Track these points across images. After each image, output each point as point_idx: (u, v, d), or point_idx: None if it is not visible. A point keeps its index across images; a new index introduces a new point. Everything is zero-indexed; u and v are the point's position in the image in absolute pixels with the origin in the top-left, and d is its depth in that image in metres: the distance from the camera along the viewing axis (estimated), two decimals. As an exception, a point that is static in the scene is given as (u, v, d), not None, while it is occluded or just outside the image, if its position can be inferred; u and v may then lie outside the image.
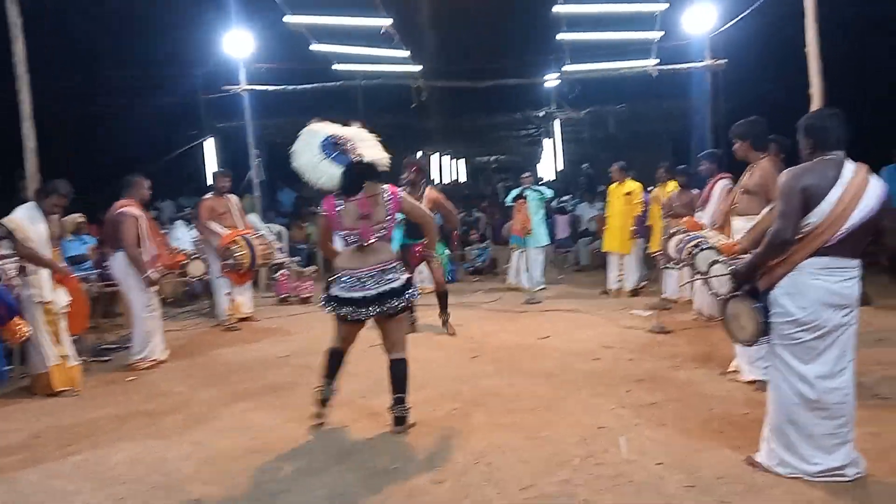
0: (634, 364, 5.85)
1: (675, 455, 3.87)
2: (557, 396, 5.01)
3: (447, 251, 7.21)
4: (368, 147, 4.38)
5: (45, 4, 8.20)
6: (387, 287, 4.26)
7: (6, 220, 5.38)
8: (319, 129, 4.42)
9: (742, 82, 11.99)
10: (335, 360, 4.53)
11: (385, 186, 4.41)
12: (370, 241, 4.27)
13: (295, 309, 9.24)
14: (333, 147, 4.30)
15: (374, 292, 4.24)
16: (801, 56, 7.09)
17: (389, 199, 4.36)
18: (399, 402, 4.41)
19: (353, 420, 4.66)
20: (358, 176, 4.30)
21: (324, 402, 4.52)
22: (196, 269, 6.97)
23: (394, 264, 4.36)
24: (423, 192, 7.04)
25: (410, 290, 4.39)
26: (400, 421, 4.41)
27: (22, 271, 5.41)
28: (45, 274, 5.48)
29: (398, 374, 4.43)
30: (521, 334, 7.17)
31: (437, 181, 19.74)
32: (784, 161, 5.26)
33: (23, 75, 6.76)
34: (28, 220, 5.42)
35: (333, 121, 4.54)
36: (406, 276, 4.44)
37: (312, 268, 10.61)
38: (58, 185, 5.70)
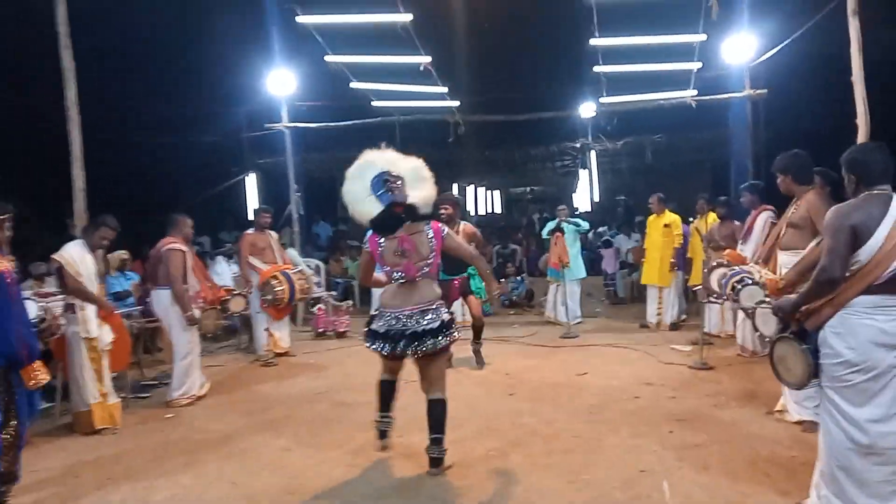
0: (676, 402, 5.71)
1: (720, 499, 3.76)
2: (597, 436, 4.90)
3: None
4: (417, 188, 4.38)
5: (94, 43, 8.44)
6: (424, 327, 4.23)
7: (58, 255, 5.50)
8: (376, 160, 4.42)
9: (783, 112, 11.82)
10: (386, 390, 4.60)
11: (428, 224, 4.40)
12: (415, 278, 4.29)
13: (332, 343, 9.26)
14: (382, 185, 4.32)
15: (410, 331, 4.22)
16: (845, 85, 6.95)
17: (432, 237, 4.35)
18: (436, 442, 4.36)
19: (389, 460, 4.62)
20: (393, 218, 4.32)
21: (382, 434, 4.62)
22: (237, 305, 7.06)
23: (435, 304, 4.33)
24: (459, 228, 7.05)
25: (449, 331, 4.31)
26: (436, 462, 4.36)
27: (69, 308, 5.51)
28: (91, 310, 5.59)
29: (436, 414, 4.38)
30: (559, 370, 7.06)
31: (472, 213, 19.75)
32: (831, 194, 5.14)
33: (74, 118, 6.96)
34: (78, 256, 5.56)
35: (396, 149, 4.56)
36: (447, 316, 4.37)
37: (349, 302, 10.65)
38: (106, 219, 5.87)
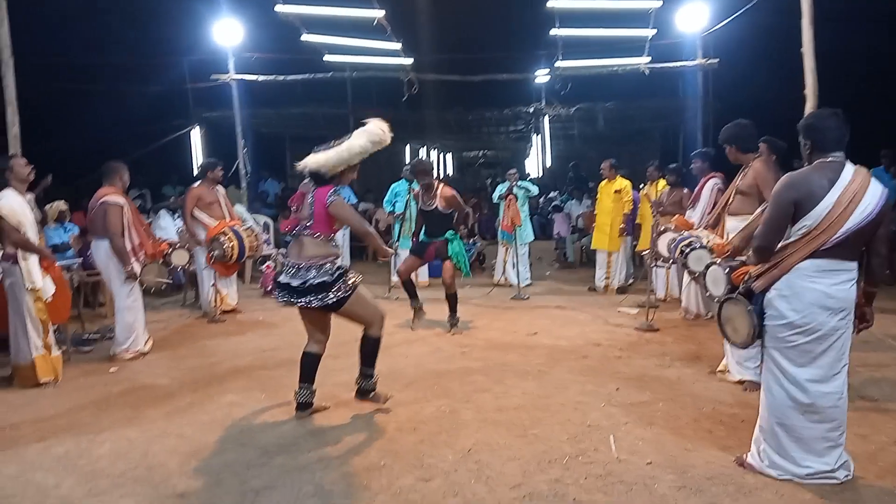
0: (623, 362, 5.84)
1: (665, 454, 3.85)
2: (546, 394, 4.98)
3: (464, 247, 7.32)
4: (325, 154, 4.45)
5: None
6: (309, 281, 4.34)
7: None
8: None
9: (734, 82, 12.03)
10: (308, 362, 4.62)
11: (314, 188, 4.51)
12: (299, 234, 4.48)
13: (281, 301, 9.13)
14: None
15: (297, 283, 4.37)
16: (794, 56, 7.09)
17: (312, 202, 4.47)
18: (364, 375, 4.76)
19: (339, 416, 4.60)
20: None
21: (303, 406, 4.60)
22: (180, 258, 6.83)
23: (319, 262, 4.38)
24: (437, 192, 6.98)
25: (336, 289, 4.36)
26: (364, 391, 4.78)
27: (8, 258, 5.28)
28: (34, 260, 5.36)
29: (365, 348, 4.71)
30: (510, 331, 7.14)
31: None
32: (777, 161, 5.27)
33: (7, 60, 6.62)
34: (18, 206, 5.30)
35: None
36: (331, 275, 4.38)
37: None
38: (14, 156, 5.58)
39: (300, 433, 4.31)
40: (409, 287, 7.16)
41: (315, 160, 4.45)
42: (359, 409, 4.70)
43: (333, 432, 4.32)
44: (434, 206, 6.98)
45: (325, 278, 4.34)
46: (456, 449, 3.99)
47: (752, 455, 3.64)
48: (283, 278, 4.44)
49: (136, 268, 6.21)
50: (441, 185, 7.11)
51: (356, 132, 4.52)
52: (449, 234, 6.99)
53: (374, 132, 4.50)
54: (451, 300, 7.24)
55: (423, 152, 19.99)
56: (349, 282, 4.43)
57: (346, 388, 5.08)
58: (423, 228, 7.23)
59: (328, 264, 4.40)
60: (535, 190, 10.35)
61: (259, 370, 5.80)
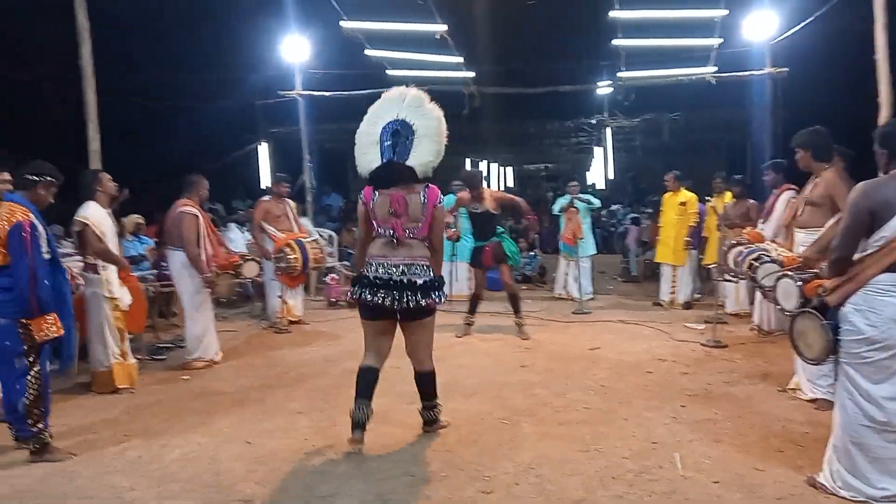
0: (689, 378, 5.71)
1: (732, 473, 3.75)
2: (609, 409, 4.91)
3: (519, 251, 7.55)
4: (425, 148, 4.10)
5: (108, 5, 8.42)
6: (409, 278, 4.07)
7: (82, 217, 5.49)
8: (397, 102, 4.19)
9: (804, 91, 11.65)
10: (367, 377, 4.30)
11: (427, 186, 4.17)
12: (402, 238, 4.13)
13: (344, 313, 9.28)
14: (390, 136, 4.11)
15: (396, 279, 4.06)
16: (868, 64, 6.84)
17: (426, 201, 4.13)
18: (428, 407, 4.49)
19: (403, 426, 4.64)
20: (389, 175, 4.11)
21: (357, 425, 4.20)
22: (250, 270, 7.03)
23: (424, 262, 4.15)
24: (484, 195, 7.17)
25: (437, 292, 4.16)
26: (428, 423, 4.51)
27: (90, 268, 5.54)
28: (113, 270, 5.62)
29: (425, 386, 4.45)
30: (571, 344, 7.07)
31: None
32: (847, 172, 5.08)
33: (89, 78, 6.96)
34: (101, 217, 5.57)
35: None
36: (434, 277, 4.18)
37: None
38: (99, 170, 5.96)
39: (363, 442, 4.36)
40: (476, 302, 7.43)
41: (428, 159, 4.09)
42: (420, 420, 4.71)
43: (396, 442, 4.36)
44: (484, 209, 7.13)
45: (428, 278, 4.12)
46: (517, 462, 3.98)
47: (825, 475, 3.50)
48: (379, 273, 4.10)
49: (212, 276, 6.43)
50: (487, 189, 7.31)
51: (412, 105, 4.14)
52: (498, 230, 7.13)
53: (422, 98, 4.18)
54: (515, 301, 7.37)
55: (482, 165, 20.04)
56: (443, 292, 4.25)
57: (408, 398, 5.12)
58: (474, 232, 7.35)
59: (430, 267, 4.19)
60: (597, 203, 10.26)
61: (322, 379, 5.91)
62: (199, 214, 6.43)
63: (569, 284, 9.96)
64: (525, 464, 3.94)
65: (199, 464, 4.09)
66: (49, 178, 4.47)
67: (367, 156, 4.18)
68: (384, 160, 4.10)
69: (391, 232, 4.12)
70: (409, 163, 4.06)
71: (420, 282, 4.08)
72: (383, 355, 4.37)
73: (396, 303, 4.05)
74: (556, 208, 10.12)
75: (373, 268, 4.14)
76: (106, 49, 7.60)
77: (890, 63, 6.69)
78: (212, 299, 6.55)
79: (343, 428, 4.61)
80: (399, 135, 4.09)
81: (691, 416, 4.71)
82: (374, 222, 4.19)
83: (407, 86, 4.31)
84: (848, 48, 8.74)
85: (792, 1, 9.81)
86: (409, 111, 4.14)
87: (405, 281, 4.06)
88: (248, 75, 14.90)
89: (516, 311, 7.38)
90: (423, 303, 4.08)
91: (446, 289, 4.61)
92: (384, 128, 4.13)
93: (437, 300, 4.17)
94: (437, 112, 4.17)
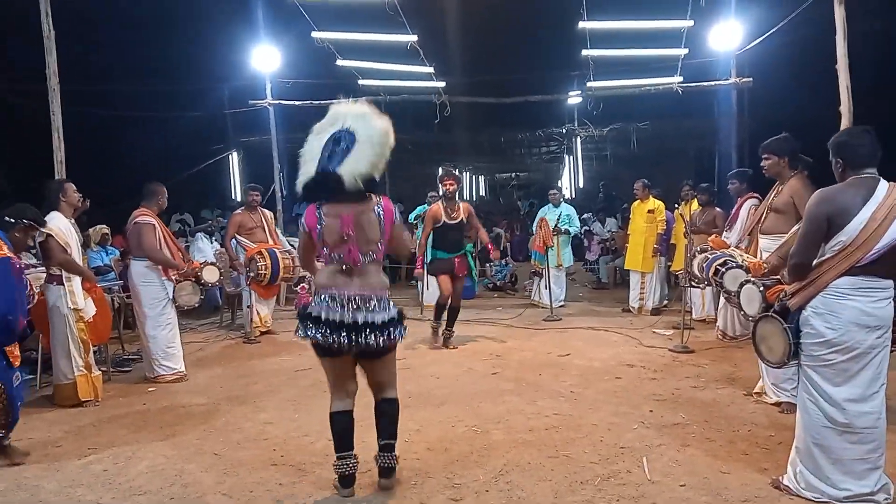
0: (657, 383, 5.77)
1: (699, 476, 3.79)
2: (578, 414, 4.95)
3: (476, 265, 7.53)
4: (359, 156, 3.53)
5: (74, 15, 8.32)
6: (366, 318, 3.53)
7: (47, 227, 5.39)
8: (343, 114, 3.68)
9: (769, 100, 11.92)
10: (341, 424, 3.76)
11: (380, 202, 3.67)
12: (358, 264, 3.59)
13: (315, 322, 9.24)
14: (333, 144, 3.58)
15: (351, 320, 3.51)
16: (829, 74, 7.00)
17: (382, 217, 3.64)
18: (387, 448, 3.75)
19: (370, 435, 4.61)
20: (322, 186, 3.58)
21: (346, 480, 3.73)
22: (210, 275, 6.87)
23: (383, 294, 3.65)
24: (458, 205, 7.22)
25: (398, 328, 3.64)
26: (387, 472, 3.75)
27: (55, 280, 5.44)
28: (77, 282, 5.52)
29: (388, 415, 3.81)
30: (541, 351, 7.11)
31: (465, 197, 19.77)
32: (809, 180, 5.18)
33: (55, 88, 6.86)
34: (65, 227, 5.48)
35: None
36: (394, 311, 3.67)
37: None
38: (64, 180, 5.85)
39: (331, 452, 4.30)
40: (443, 310, 7.35)
41: (359, 168, 3.50)
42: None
43: (365, 452, 4.32)
44: (459, 220, 7.19)
45: (391, 314, 3.62)
46: (487, 469, 3.98)
47: (789, 477, 3.56)
48: (323, 312, 3.53)
49: (170, 287, 6.32)
50: (460, 201, 7.35)
51: (354, 117, 3.63)
52: (469, 247, 7.16)
53: (369, 110, 3.67)
54: (454, 314, 7.39)
55: (459, 174, 20.06)
56: (403, 325, 3.71)
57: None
58: (434, 243, 7.37)
59: (388, 297, 3.71)
60: (574, 230, 10.30)
61: (292, 390, 5.87)
62: (155, 224, 6.34)
63: (540, 292, 10.02)
64: (495, 471, 3.95)
65: (166, 476, 4.03)
66: (27, 223, 4.41)
67: (308, 167, 3.63)
68: (318, 170, 3.57)
69: (341, 258, 3.59)
70: (338, 170, 3.50)
71: (378, 320, 3.54)
72: (352, 393, 3.81)
73: (352, 345, 3.50)
74: (533, 226, 10.17)
75: (323, 303, 3.56)
76: (73, 58, 7.51)
77: (850, 73, 6.86)
78: (175, 308, 6.43)
79: (313, 437, 4.60)
80: (339, 143, 3.58)
81: (659, 421, 4.76)
82: (323, 248, 3.64)
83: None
84: (810, 58, 8.95)
85: (756, 12, 10.05)
86: (353, 120, 3.63)
87: (359, 321, 3.51)
88: (218, 84, 14.84)
89: (450, 323, 7.37)
90: (381, 343, 3.55)
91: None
92: (327, 139, 3.63)
93: (397, 338, 3.65)
94: (382, 122, 3.63)
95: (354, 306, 3.53)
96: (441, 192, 7.27)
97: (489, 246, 7.64)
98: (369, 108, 3.68)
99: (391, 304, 3.69)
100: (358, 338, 3.49)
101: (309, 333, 3.54)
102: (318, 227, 3.60)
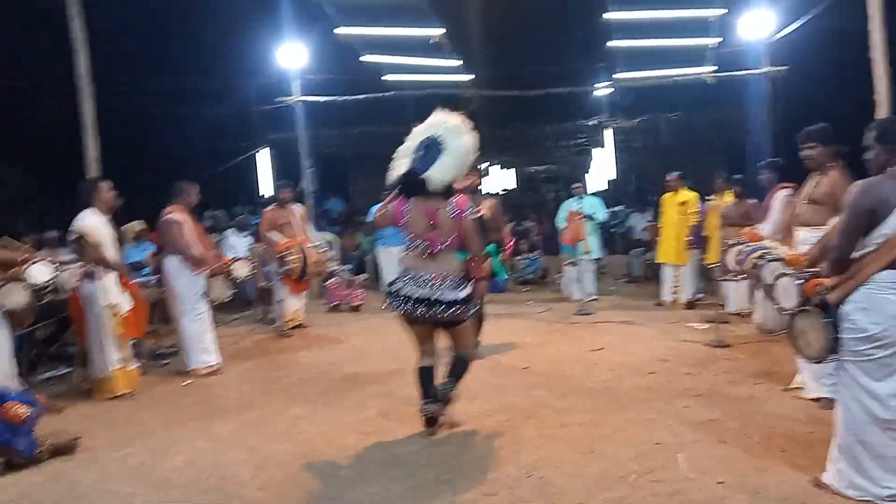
0: (692, 378, 5.69)
1: (736, 474, 3.73)
2: (611, 410, 4.90)
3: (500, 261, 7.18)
4: (444, 165, 4.33)
5: (105, 15, 8.43)
6: (439, 297, 4.25)
7: (76, 227, 5.50)
8: (437, 124, 4.47)
9: (802, 89, 11.64)
10: (425, 377, 4.49)
11: (454, 200, 4.43)
12: (438, 251, 4.34)
13: (346, 317, 9.31)
14: (424, 149, 4.38)
15: (428, 296, 4.25)
16: (864, 62, 6.84)
17: (456, 213, 4.38)
18: (449, 382, 4.45)
19: (404, 429, 4.63)
20: (408, 186, 4.41)
21: (430, 421, 4.46)
22: (241, 270, 6.96)
23: (455, 276, 4.34)
24: (480, 200, 7.01)
25: (467, 306, 4.34)
26: (444, 397, 4.43)
27: (90, 276, 5.53)
28: (112, 277, 5.61)
29: (456, 366, 4.51)
30: (573, 346, 7.06)
31: (493, 192, 19.70)
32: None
33: (86, 88, 6.98)
34: (95, 224, 5.56)
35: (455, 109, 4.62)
36: (465, 292, 4.34)
37: (363, 276, 10.67)
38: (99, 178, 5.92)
39: (364, 445, 4.36)
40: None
41: (442, 175, 4.33)
42: (422, 424, 4.72)
43: (397, 446, 4.35)
44: (480, 216, 6.53)
45: (460, 293, 4.30)
46: (519, 464, 3.96)
47: (829, 475, 3.48)
48: (409, 290, 4.30)
49: (203, 282, 6.40)
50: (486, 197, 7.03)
51: (447, 129, 4.40)
52: (491, 247, 6.30)
53: (461, 125, 4.43)
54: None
55: (482, 169, 20.01)
56: (475, 301, 4.47)
57: (410, 402, 5.13)
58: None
59: (461, 279, 4.38)
60: (601, 217, 10.10)
61: (324, 383, 5.91)
62: (183, 221, 6.41)
63: (571, 286, 9.95)
64: (527, 466, 3.93)
65: (200, 469, 4.08)
66: None
67: (398, 164, 4.49)
68: (407, 169, 4.40)
69: (426, 245, 4.33)
70: (426, 174, 4.31)
71: (450, 298, 4.25)
72: (431, 353, 4.55)
73: (427, 316, 4.28)
74: (559, 221, 10.05)
75: (406, 280, 4.35)
76: (104, 57, 7.62)
77: (887, 61, 6.70)
78: (208, 303, 6.51)
79: (345, 431, 4.62)
80: (428, 149, 4.37)
81: (694, 417, 4.69)
82: (406, 236, 4.44)
83: (454, 112, 4.56)
84: (845, 46, 8.75)
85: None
86: (444, 130, 4.41)
87: (434, 298, 4.24)
88: (246, 82, 14.96)
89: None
90: (448, 317, 4.27)
91: None
92: (419, 143, 4.43)
93: (466, 314, 4.35)
94: (469, 138, 4.43)
95: (430, 285, 4.27)
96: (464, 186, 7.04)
97: (507, 247, 7.35)
98: (461, 123, 4.45)
99: (464, 285, 4.35)
100: (431, 311, 4.24)
101: (396, 306, 4.34)
102: (404, 217, 4.41)
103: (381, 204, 4.68)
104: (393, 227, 4.68)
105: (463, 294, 4.32)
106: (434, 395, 4.43)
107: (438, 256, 4.34)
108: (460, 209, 4.40)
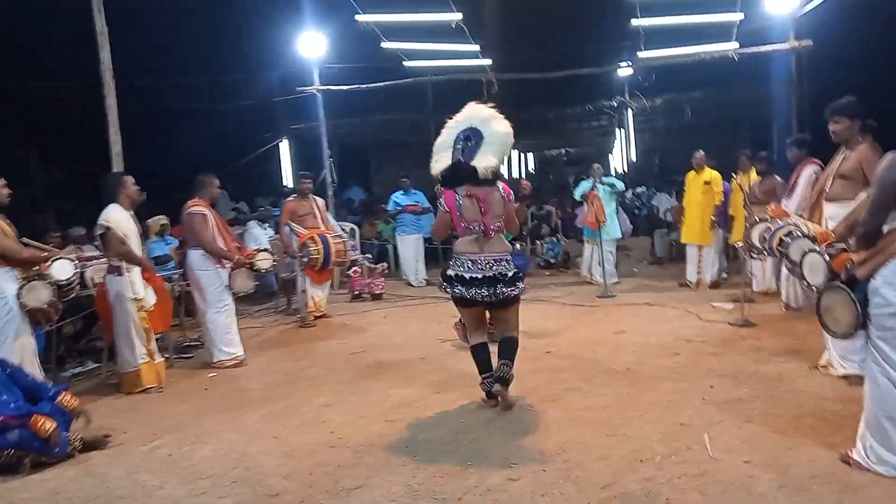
0: (717, 359, 5.63)
1: (764, 453, 3.68)
2: (636, 392, 4.86)
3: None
4: (489, 154, 4.55)
5: (126, 9, 8.47)
6: (496, 273, 4.51)
7: (103, 220, 5.54)
8: (472, 116, 4.73)
9: (828, 65, 11.38)
10: (481, 353, 4.76)
11: (499, 184, 4.69)
12: (490, 233, 4.59)
13: (368, 305, 9.33)
14: (464, 140, 4.62)
15: (484, 275, 4.51)
16: (892, 35, 6.66)
17: (503, 196, 4.65)
18: (505, 365, 4.64)
19: (429, 416, 4.64)
20: (457, 174, 4.61)
21: (490, 394, 4.70)
22: (263, 262, 6.97)
23: (507, 256, 4.63)
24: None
25: (520, 282, 4.62)
26: (502, 381, 4.61)
27: (115, 270, 5.60)
28: (137, 272, 5.67)
29: (507, 347, 4.71)
30: (596, 329, 7.02)
31: (510, 176, 19.60)
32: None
33: (109, 83, 7.02)
34: (122, 219, 5.62)
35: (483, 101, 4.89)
36: (515, 269, 4.62)
37: (384, 264, 10.69)
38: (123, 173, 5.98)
39: (389, 433, 4.37)
40: None
41: (489, 163, 4.54)
42: (446, 409, 4.73)
43: (422, 432, 4.36)
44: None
45: (514, 271, 4.59)
46: (544, 448, 3.95)
47: (858, 451, 3.43)
48: (465, 272, 4.54)
49: (225, 274, 6.43)
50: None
51: (482, 119, 4.65)
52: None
53: (495, 114, 4.68)
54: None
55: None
56: (523, 280, 4.72)
57: (434, 388, 5.15)
58: None
59: (511, 260, 4.65)
60: (620, 186, 10.13)
61: (348, 373, 5.93)
62: (207, 213, 6.45)
63: (593, 269, 9.88)
64: (552, 450, 3.92)
65: (228, 460, 4.12)
66: None
67: (439, 159, 4.71)
68: (453, 161, 4.60)
69: (480, 229, 4.57)
70: (472, 163, 4.53)
71: (509, 274, 4.54)
72: (486, 331, 4.89)
73: (488, 296, 4.51)
74: (578, 193, 10.02)
75: (463, 265, 4.58)
76: (125, 52, 7.66)
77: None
78: (231, 294, 6.56)
79: (369, 419, 4.64)
80: (469, 140, 4.61)
81: (720, 397, 4.64)
82: (460, 224, 4.62)
83: (483, 98, 5.05)
84: (871, 19, 8.53)
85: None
86: (480, 122, 4.66)
87: (495, 275, 4.51)
88: (266, 73, 14.99)
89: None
90: (511, 293, 4.55)
91: None
92: (457, 135, 4.67)
93: (520, 290, 4.65)
94: (505, 125, 4.67)
95: (489, 265, 4.53)
96: None
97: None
98: (494, 113, 4.71)
99: (513, 264, 4.63)
100: (493, 289, 4.50)
101: (455, 290, 4.59)
102: (458, 206, 4.59)
103: (436, 221, 4.95)
104: (452, 230, 4.76)
105: (515, 270, 4.61)
106: (490, 369, 4.69)
107: (493, 239, 4.60)
108: (507, 193, 4.67)
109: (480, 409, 4.71)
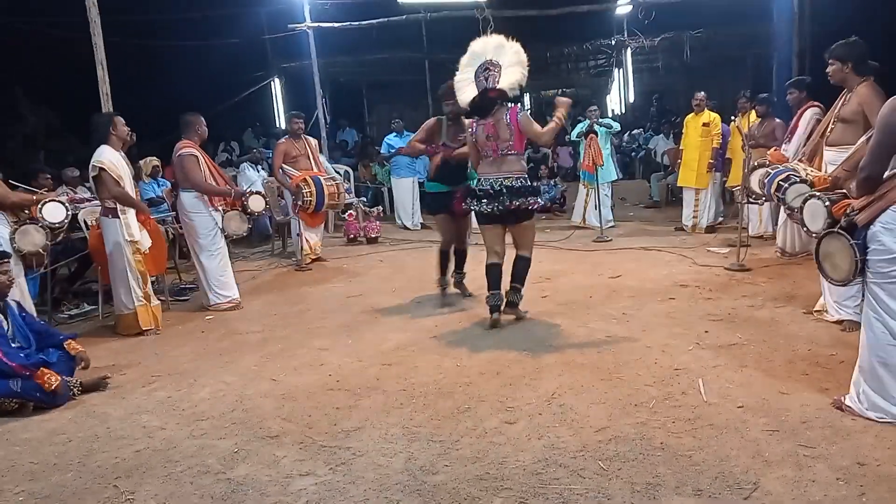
0: (712, 303, 5.66)
1: (757, 398, 3.72)
2: (631, 337, 4.89)
3: None
4: (510, 74, 5.08)
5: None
6: (514, 185, 5.07)
7: (97, 161, 5.44)
8: (482, 50, 5.20)
9: (831, 3, 11.13)
10: (494, 272, 5.24)
11: (508, 109, 5.17)
12: (499, 156, 5.16)
13: (363, 249, 9.32)
14: (485, 71, 5.11)
15: (504, 188, 5.07)
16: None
17: (510, 122, 5.12)
18: (515, 290, 5.29)
19: (426, 360, 4.67)
20: (486, 102, 5.11)
21: (494, 308, 5.23)
22: (256, 204, 6.89)
23: (524, 174, 5.19)
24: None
25: (539, 194, 5.17)
26: (512, 304, 5.29)
27: (111, 213, 5.54)
28: (132, 214, 5.62)
29: (519, 267, 5.31)
30: (592, 273, 7.03)
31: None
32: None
33: (95, 19, 6.83)
34: (116, 160, 5.53)
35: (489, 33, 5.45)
36: (535, 183, 5.24)
37: (379, 207, 10.63)
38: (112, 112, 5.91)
39: (386, 376, 4.40)
40: (446, 259, 6.26)
41: (514, 78, 5.06)
42: (443, 353, 4.76)
43: (419, 377, 4.39)
44: (464, 145, 5.79)
45: (525, 185, 5.11)
46: (540, 392, 3.99)
47: (851, 397, 3.47)
48: (484, 186, 5.13)
49: (218, 217, 6.39)
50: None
51: (494, 48, 5.15)
52: (472, 174, 5.76)
53: (502, 39, 5.18)
54: (462, 258, 6.35)
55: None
56: (542, 197, 5.25)
57: (430, 332, 5.18)
58: (439, 175, 6.00)
59: (527, 178, 5.19)
60: (616, 126, 10.03)
61: (345, 316, 5.95)
62: (198, 154, 6.36)
63: (589, 213, 9.85)
64: (548, 394, 3.95)
65: (226, 402, 4.15)
66: None
67: (465, 93, 5.23)
68: (479, 90, 5.11)
69: (491, 153, 5.18)
70: (500, 85, 5.06)
71: (518, 185, 5.08)
72: (502, 252, 5.32)
73: (502, 207, 5.05)
74: (573, 134, 9.91)
75: (481, 183, 5.20)
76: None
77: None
78: (225, 237, 6.51)
79: (367, 362, 4.67)
80: (490, 70, 5.11)
81: (715, 342, 4.68)
82: (477, 149, 5.24)
83: (489, 32, 5.61)
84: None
85: None
86: (493, 51, 5.15)
87: (505, 188, 5.06)
88: (256, 9, 14.56)
89: (459, 266, 6.30)
90: (522, 204, 5.05)
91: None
92: (476, 69, 5.16)
93: (536, 202, 5.12)
94: (516, 46, 5.16)
95: (503, 181, 5.11)
96: (446, 112, 6.02)
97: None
98: (502, 39, 5.19)
99: (531, 182, 5.21)
100: (509, 201, 5.04)
101: (475, 207, 5.21)
102: (473, 134, 5.24)
103: (468, 147, 5.44)
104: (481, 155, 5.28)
105: (533, 186, 5.16)
106: (498, 287, 5.23)
107: (508, 160, 5.16)
108: (512, 115, 5.12)
109: (475, 353, 4.72)
